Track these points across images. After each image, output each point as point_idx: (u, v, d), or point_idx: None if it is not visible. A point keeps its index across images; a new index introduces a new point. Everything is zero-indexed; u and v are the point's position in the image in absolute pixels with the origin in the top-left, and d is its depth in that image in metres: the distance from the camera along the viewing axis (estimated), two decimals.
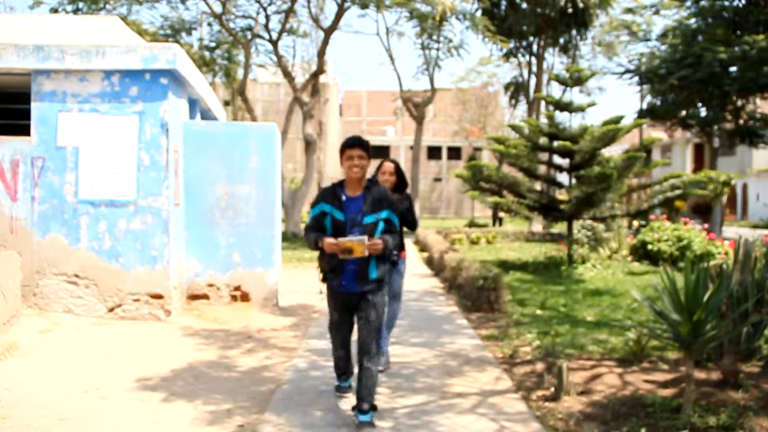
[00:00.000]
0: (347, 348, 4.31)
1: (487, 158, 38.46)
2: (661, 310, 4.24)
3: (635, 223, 15.78)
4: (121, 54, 6.94)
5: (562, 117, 12.95)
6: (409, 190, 5.40)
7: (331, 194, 3.97)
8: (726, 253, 11.24)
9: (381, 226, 3.95)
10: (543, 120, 14.80)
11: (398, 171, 5.24)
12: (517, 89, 32.15)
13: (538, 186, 14.48)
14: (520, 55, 28.48)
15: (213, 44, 22.67)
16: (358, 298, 4.02)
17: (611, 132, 11.39)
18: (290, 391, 4.69)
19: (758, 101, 25.21)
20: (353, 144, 3.92)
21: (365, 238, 3.79)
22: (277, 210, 8.07)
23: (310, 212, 4.01)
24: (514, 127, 13.40)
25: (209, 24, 22.06)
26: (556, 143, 12.25)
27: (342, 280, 3.98)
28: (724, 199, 19.65)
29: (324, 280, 4.09)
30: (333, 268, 3.97)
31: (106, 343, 6.07)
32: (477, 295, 8.05)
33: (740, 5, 23.09)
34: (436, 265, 11.78)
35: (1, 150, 6.99)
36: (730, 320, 4.37)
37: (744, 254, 4.67)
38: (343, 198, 3.94)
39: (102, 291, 6.98)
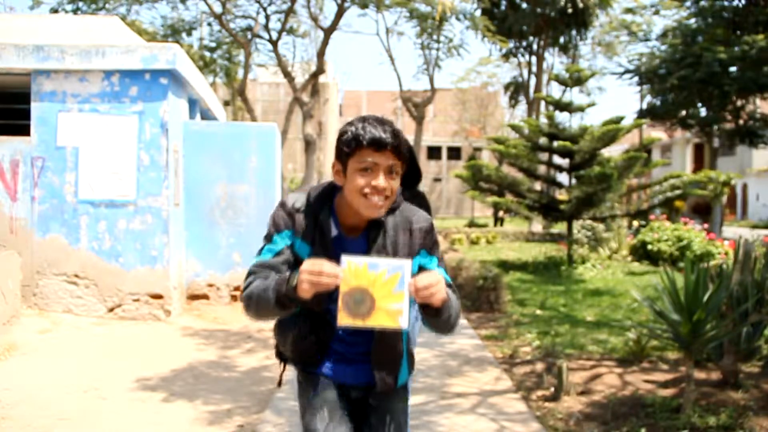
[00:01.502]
0: None
1: (487, 158, 38.47)
2: (661, 310, 4.24)
3: (635, 223, 15.78)
4: (121, 54, 6.94)
5: (562, 117, 12.96)
6: (424, 188, 3.14)
7: (309, 223, 1.93)
8: (726, 253, 11.24)
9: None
10: (543, 120, 14.80)
11: (408, 153, 3.45)
12: (516, 89, 32.19)
13: (538, 186, 14.48)
14: (519, 55, 28.52)
15: (213, 44, 22.67)
16: (362, 402, 2.06)
17: (611, 132, 11.39)
18: (290, 391, 4.69)
19: (758, 101, 25.21)
20: (381, 143, 1.82)
21: (406, 265, 1.73)
22: None
23: (259, 252, 1.96)
24: (514, 127, 13.40)
25: (209, 24, 22.05)
26: (556, 143, 12.25)
27: (328, 361, 2.03)
28: (724, 199, 19.63)
29: (281, 357, 2.16)
30: (304, 349, 1.99)
31: (106, 343, 6.07)
32: (477, 295, 8.06)
33: (740, 5, 23.10)
34: None
35: (1, 150, 6.99)
36: (730, 320, 4.37)
37: (744, 254, 4.67)
38: (334, 234, 1.92)
39: (102, 291, 6.98)
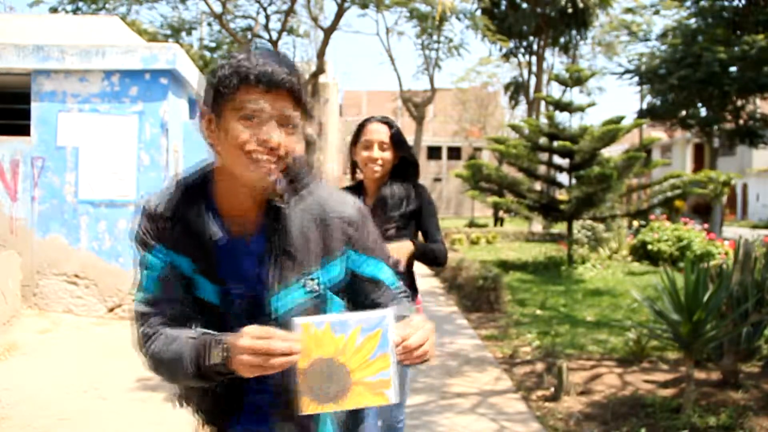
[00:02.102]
0: None
1: (487, 158, 38.46)
2: (661, 310, 4.24)
3: (635, 223, 15.78)
4: (121, 54, 6.94)
5: (562, 117, 12.96)
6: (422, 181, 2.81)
7: (180, 228, 1.39)
8: (726, 253, 11.24)
9: (336, 307, 1.44)
10: (543, 120, 14.80)
11: (397, 141, 2.64)
12: (517, 89, 32.23)
13: (538, 186, 14.49)
14: (520, 55, 28.56)
15: (213, 44, 22.69)
16: None
17: (611, 132, 11.40)
18: None
19: (758, 101, 25.22)
20: (273, 80, 1.28)
21: (388, 317, 1.23)
22: None
23: (139, 286, 1.44)
24: (514, 127, 13.41)
25: (209, 24, 22.07)
26: (556, 143, 12.26)
27: (242, 418, 1.49)
28: (724, 199, 19.64)
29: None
30: (209, 406, 1.50)
31: (106, 343, 6.07)
32: (477, 295, 8.06)
33: (740, 5, 23.10)
34: None
35: (1, 150, 6.99)
36: (730, 320, 4.37)
37: (744, 254, 4.67)
38: (216, 238, 1.36)
39: (102, 291, 6.98)
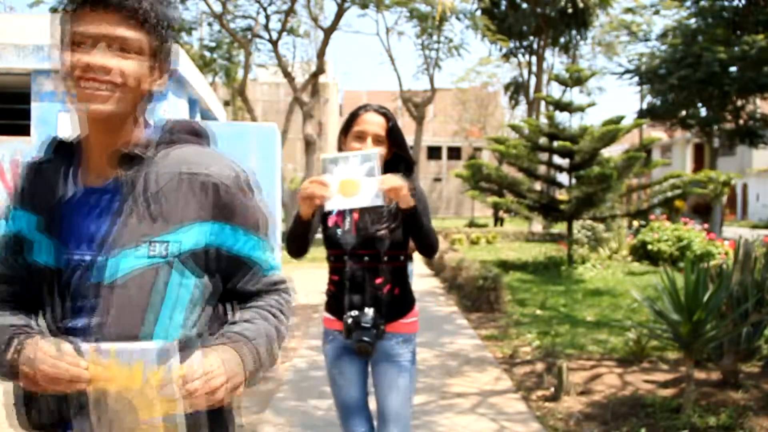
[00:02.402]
0: None
1: (487, 158, 38.49)
2: (661, 310, 4.24)
3: (635, 223, 15.78)
4: None
5: (562, 117, 12.97)
6: (418, 180, 2.48)
7: (38, 182, 1.26)
8: (726, 253, 11.24)
9: (188, 288, 1.20)
10: (543, 120, 14.81)
11: (394, 135, 2.34)
12: (517, 89, 32.27)
13: (538, 186, 14.49)
14: (520, 55, 28.59)
15: (213, 44, 22.69)
16: None
17: (611, 132, 11.40)
18: (290, 391, 4.69)
19: (758, 101, 25.23)
20: None
21: (171, 350, 1.07)
22: (277, 210, 8.05)
23: None
24: (514, 127, 13.41)
25: (209, 24, 22.08)
26: (556, 143, 12.27)
27: None
28: (724, 199, 19.64)
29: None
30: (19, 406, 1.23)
31: None
32: (477, 295, 8.06)
33: (740, 5, 23.11)
34: (436, 265, 11.78)
35: (1, 150, 6.99)
36: (730, 320, 4.37)
37: (744, 254, 4.67)
38: (72, 192, 1.23)
39: None
